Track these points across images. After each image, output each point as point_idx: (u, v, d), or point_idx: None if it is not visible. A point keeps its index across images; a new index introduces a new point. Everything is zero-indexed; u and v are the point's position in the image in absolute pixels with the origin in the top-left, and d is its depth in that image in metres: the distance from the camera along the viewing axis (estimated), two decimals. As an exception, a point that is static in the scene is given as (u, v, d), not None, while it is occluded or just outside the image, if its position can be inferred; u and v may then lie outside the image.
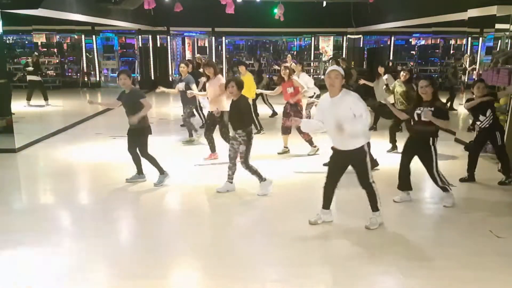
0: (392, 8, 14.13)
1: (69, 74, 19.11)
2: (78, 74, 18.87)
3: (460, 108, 11.88)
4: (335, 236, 4.78)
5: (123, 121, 8.88)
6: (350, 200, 5.56)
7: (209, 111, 7.56)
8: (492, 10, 7.94)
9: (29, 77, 13.48)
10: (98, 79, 18.74)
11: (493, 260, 4.20)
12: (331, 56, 18.74)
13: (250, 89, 9.30)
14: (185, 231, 4.94)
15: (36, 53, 15.31)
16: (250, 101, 8.55)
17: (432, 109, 5.14)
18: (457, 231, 4.86)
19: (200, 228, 4.99)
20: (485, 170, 6.89)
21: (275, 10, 14.01)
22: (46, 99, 13.49)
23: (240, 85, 5.90)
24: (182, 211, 5.54)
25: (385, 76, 9.02)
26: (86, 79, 18.61)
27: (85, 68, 18.58)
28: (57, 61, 18.24)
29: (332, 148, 4.78)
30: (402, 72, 8.06)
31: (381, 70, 9.69)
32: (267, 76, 11.79)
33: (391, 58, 18.25)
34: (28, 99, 13.27)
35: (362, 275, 3.94)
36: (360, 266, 4.08)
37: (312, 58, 19.36)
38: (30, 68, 13.38)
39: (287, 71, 7.91)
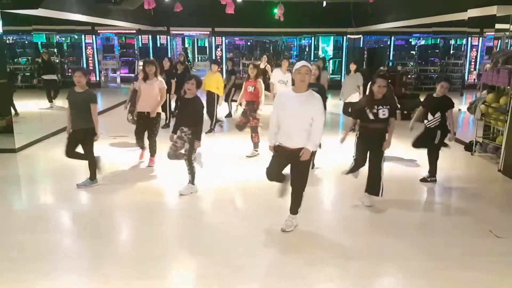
0: (392, 8, 14.13)
1: (69, 74, 19.07)
2: (78, 74, 18.83)
3: (463, 108, 11.87)
4: (334, 237, 4.78)
5: (123, 121, 8.91)
6: (351, 200, 5.55)
7: (138, 112, 7.08)
8: (492, 10, 7.95)
9: (44, 77, 12.96)
10: (98, 79, 18.74)
11: (493, 260, 4.20)
12: (331, 56, 18.81)
13: (219, 87, 9.40)
14: (183, 231, 4.94)
15: (45, 50, 14.96)
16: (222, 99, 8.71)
17: (389, 107, 5.19)
18: (457, 231, 4.86)
19: (197, 229, 4.99)
20: (485, 170, 6.89)
21: (275, 10, 14.03)
22: (54, 99, 13.18)
23: (199, 85, 5.90)
24: (179, 212, 5.54)
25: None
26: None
27: (85, 68, 18.57)
28: (57, 61, 18.21)
29: (277, 147, 4.61)
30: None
31: (352, 67, 9.62)
32: (235, 76, 11.72)
33: (391, 58, 18.25)
34: (51, 99, 12.81)
35: (362, 275, 3.94)
36: (360, 267, 4.08)
37: (312, 58, 19.36)
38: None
39: (255, 70, 7.57)
